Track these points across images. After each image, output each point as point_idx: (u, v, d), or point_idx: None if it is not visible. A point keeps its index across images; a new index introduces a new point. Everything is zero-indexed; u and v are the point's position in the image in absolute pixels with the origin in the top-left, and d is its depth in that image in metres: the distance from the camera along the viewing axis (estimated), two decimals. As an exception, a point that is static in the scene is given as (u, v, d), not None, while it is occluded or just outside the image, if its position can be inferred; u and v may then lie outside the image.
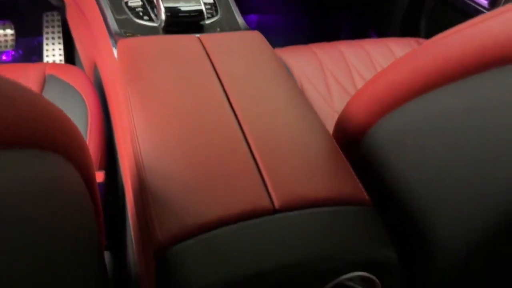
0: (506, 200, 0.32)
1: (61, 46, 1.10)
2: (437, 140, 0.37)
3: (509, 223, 0.34)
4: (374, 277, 0.34)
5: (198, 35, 0.54)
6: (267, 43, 0.55)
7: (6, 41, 1.07)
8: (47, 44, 1.11)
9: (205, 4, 0.61)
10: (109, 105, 0.67)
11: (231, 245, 0.31)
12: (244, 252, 0.31)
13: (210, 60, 0.49)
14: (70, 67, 0.78)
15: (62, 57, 1.10)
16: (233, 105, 0.43)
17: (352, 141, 0.46)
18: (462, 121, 0.36)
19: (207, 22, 0.61)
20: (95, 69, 0.80)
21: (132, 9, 0.62)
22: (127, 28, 0.60)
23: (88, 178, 0.33)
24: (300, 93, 0.47)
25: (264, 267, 0.30)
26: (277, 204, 0.35)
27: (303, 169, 0.38)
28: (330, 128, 0.49)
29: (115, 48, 0.55)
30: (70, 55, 1.09)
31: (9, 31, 1.08)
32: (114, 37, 0.58)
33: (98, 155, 0.63)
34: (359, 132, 0.45)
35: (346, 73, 0.86)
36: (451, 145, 0.36)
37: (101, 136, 0.66)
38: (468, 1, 0.97)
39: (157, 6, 0.59)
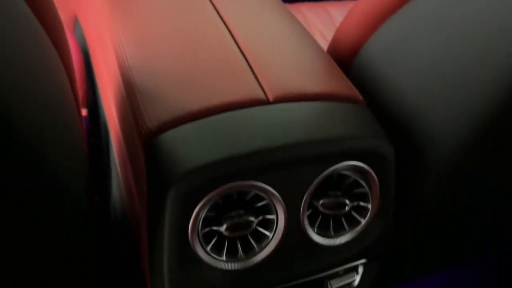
0: (493, 96, 0.32)
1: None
2: (424, 41, 0.37)
3: (497, 119, 0.34)
4: (367, 167, 0.33)
5: None
6: None
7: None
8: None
9: None
10: (92, 59, 0.66)
11: (225, 129, 0.30)
12: (239, 134, 0.30)
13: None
14: None
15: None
16: (226, 22, 0.43)
17: (345, 62, 0.45)
18: (444, 19, 0.35)
19: None
20: (75, 22, 0.79)
21: None
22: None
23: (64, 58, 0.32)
24: (301, 25, 0.46)
25: (260, 147, 0.30)
26: (271, 96, 0.34)
27: (297, 69, 0.37)
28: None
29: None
30: None
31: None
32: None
33: (80, 94, 0.62)
34: (351, 52, 0.45)
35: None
36: (438, 44, 0.35)
37: (82, 76, 0.64)
38: None
39: None
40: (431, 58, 0.36)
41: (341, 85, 0.37)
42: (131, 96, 0.34)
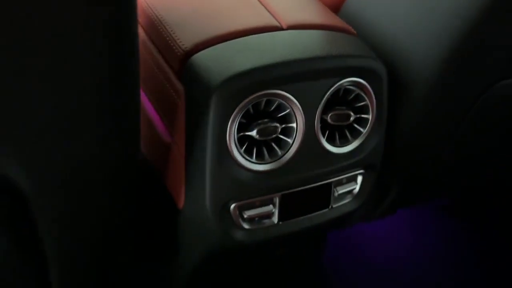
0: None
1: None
2: None
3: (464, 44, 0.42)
4: (366, 83, 0.40)
5: None
6: None
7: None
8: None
9: None
10: None
11: (252, 48, 0.36)
12: (264, 51, 0.36)
13: None
14: None
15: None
16: None
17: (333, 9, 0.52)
18: None
19: None
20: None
21: None
22: None
23: None
24: None
25: (282, 60, 0.35)
26: (284, 24, 0.40)
27: (300, 7, 0.43)
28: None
29: None
30: None
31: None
32: None
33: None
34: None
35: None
36: None
37: None
38: None
39: None
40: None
41: (337, 21, 0.44)
42: (161, 28, 0.39)
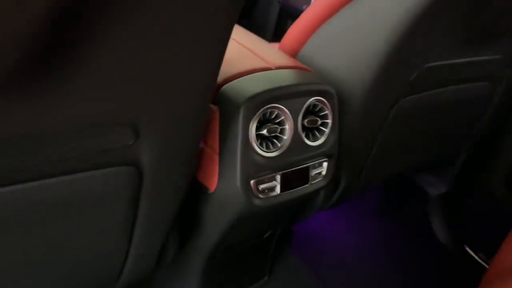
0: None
1: None
2: (337, 40, 0.71)
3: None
4: (324, 99, 0.64)
5: None
6: None
7: None
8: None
9: None
10: None
11: (258, 79, 0.59)
12: (265, 81, 0.58)
13: None
14: None
15: None
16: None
17: (291, 55, 0.77)
18: (347, 27, 0.70)
19: None
20: None
21: None
22: None
23: None
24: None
25: (278, 85, 0.58)
26: (273, 66, 0.63)
27: (278, 55, 0.68)
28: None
29: None
30: None
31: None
32: None
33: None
34: (295, 50, 0.77)
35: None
36: (343, 39, 0.69)
37: None
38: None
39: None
40: (340, 47, 0.70)
41: (300, 63, 0.68)
42: None
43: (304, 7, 1.41)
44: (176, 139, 0.48)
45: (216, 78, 0.48)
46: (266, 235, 0.81)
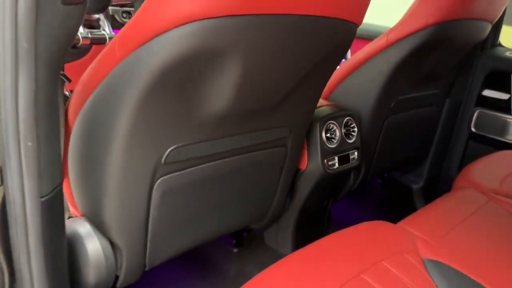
0: None
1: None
2: (355, 85, 1.33)
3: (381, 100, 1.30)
4: (351, 118, 1.24)
5: None
6: None
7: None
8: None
9: None
10: None
11: (320, 111, 1.20)
12: (323, 111, 1.19)
13: None
14: None
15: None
16: None
17: (325, 96, 1.39)
18: (362, 77, 1.32)
19: None
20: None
21: None
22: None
23: None
24: None
25: (329, 112, 1.19)
26: (324, 105, 1.24)
27: (316, 100, 1.29)
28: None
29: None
30: None
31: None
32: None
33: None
34: (330, 91, 1.39)
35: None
36: (361, 84, 1.32)
37: None
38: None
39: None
40: (355, 90, 1.32)
41: (333, 103, 1.29)
42: None
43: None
44: (302, 135, 1.06)
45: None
46: (324, 203, 1.37)
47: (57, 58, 0.58)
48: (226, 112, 0.77)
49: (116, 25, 1.38)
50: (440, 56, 1.31)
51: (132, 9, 1.44)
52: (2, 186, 0.61)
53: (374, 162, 1.43)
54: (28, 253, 0.63)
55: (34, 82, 0.55)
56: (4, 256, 0.65)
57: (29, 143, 0.57)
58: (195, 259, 1.26)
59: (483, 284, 0.76)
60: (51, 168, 0.62)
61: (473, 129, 1.68)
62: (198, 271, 1.21)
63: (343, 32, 0.80)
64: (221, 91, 0.72)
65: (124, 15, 1.43)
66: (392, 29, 1.24)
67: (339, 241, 0.80)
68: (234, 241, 1.31)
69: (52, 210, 0.64)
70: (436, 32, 1.18)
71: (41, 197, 0.61)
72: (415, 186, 1.86)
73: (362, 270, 0.72)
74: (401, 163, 1.67)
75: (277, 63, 0.74)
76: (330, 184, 1.28)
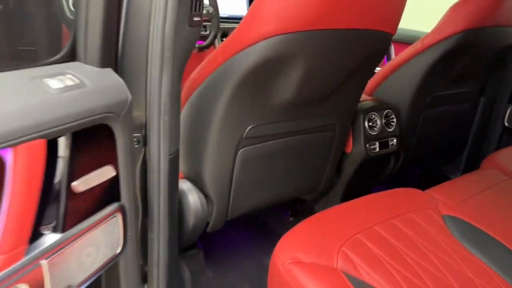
0: None
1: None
2: (397, 81, 1.56)
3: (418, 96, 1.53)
4: (391, 111, 1.47)
5: None
6: None
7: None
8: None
9: None
10: None
11: (363, 104, 1.44)
12: (366, 104, 1.44)
13: None
14: None
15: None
16: None
17: (369, 92, 1.63)
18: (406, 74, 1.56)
19: None
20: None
21: None
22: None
23: None
24: None
25: (371, 105, 1.43)
26: (368, 99, 1.49)
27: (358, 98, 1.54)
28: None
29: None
30: None
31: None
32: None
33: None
34: (373, 88, 1.63)
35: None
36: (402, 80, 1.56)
37: None
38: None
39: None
40: (395, 86, 1.56)
41: (376, 98, 1.53)
42: None
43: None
44: (347, 123, 1.32)
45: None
46: (367, 184, 1.61)
47: (184, 62, 0.88)
48: (290, 101, 1.04)
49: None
50: (470, 59, 1.51)
51: (209, 23, 1.75)
52: (145, 147, 0.91)
53: (412, 151, 1.66)
54: (159, 196, 0.93)
55: (171, 78, 0.85)
56: (142, 198, 0.95)
57: (166, 118, 0.87)
58: (258, 225, 1.54)
59: (499, 239, 0.97)
60: (175, 135, 0.91)
61: (506, 124, 1.86)
62: (260, 234, 1.49)
63: (381, 40, 1.05)
64: (287, 85, 1.00)
65: (203, 29, 1.74)
66: (427, 35, 1.47)
67: (373, 198, 1.05)
68: (290, 212, 1.58)
69: (174, 165, 0.94)
70: (464, 38, 1.39)
71: (169, 155, 0.91)
72: (453, 177, 2.04)
73: (391, 217, 0.97)
74: (438, 154, 1.87)
75: (329, 65, 1.00)
76: (371, 166, 1.52)
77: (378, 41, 1.04)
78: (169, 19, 0.75)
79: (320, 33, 0.91)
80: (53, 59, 0.71)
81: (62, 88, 0.59)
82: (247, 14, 0.91)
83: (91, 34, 0.70)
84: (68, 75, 0.64)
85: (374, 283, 0.79)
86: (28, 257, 0.58)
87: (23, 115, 0.51)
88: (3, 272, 0.54)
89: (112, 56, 0.77)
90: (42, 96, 0.56)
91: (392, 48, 2.34)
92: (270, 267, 0.82)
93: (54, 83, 0.59)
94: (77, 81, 0.63)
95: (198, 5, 0.82)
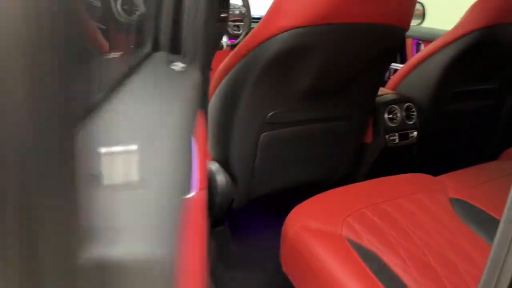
0: None
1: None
2: (419, 76, 1.63)
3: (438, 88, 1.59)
4: (412, 104, 1.54)
5: None
6: None
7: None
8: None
9: None
10: None
11: (384, 97, 1.52)
12: (387, 97, 1.52)
13: None
14: None
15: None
16: None
17: (394, 86, 1.70)
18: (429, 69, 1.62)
19: None
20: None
21: None
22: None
23: None
24: None
25: (391, 98, 1.51)
26: (390, 93, 1.56)
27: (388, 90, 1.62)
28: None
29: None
30: None
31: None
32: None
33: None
34: (398, 82, 1.70)
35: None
36: (423, 76, 1.62)
37: None
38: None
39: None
40: (416, 82, 1.62)
41: (398, 92, 1.61)
42: None
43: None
44: (364, 114, 1.40)
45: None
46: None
47: (212, 55, 1.00)
48: (307, 89, 1.14)
49: (230, 36, 1.84)
50: (492, 56, 1.56)
51: (242, 23, 1.89)
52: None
53: (433, 144, 1.71)
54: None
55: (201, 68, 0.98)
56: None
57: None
58: (279, 208, 1.66)
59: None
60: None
61: (533, 121, 1.87)
62: (283, 217, 1.60)
63: (394, 34, 1.14)
64: (305, 74, 1.10)
65: (235, 28, 1.88)
66: (448, 32, 1.53)
67: (384, 180, 1.13)
68: None
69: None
70: (485, 34, 1.44)
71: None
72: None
73: (398, 197, 1.05)
74: (462, 148, 1.91)
75: (344, 57, 1.10)
76: (391, 157, 1.60)
77: (391, 35, 1.13)
78: (200, 14, 0.88)
79: (335, 27, 1.01)
80: (146, 51, 0.85)
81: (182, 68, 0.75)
82: (268, 10, 1.02)
83: (165, 28, 0.84)
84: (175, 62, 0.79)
85: (376, 250, 0.88)
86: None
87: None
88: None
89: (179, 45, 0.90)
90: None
91: (422, 46, 2.38)
92: (282, 233, 0.93)
93: (176, 67, 0.75)
94: (182, 64, 0.78)
95: (224, 2, 0.95)
